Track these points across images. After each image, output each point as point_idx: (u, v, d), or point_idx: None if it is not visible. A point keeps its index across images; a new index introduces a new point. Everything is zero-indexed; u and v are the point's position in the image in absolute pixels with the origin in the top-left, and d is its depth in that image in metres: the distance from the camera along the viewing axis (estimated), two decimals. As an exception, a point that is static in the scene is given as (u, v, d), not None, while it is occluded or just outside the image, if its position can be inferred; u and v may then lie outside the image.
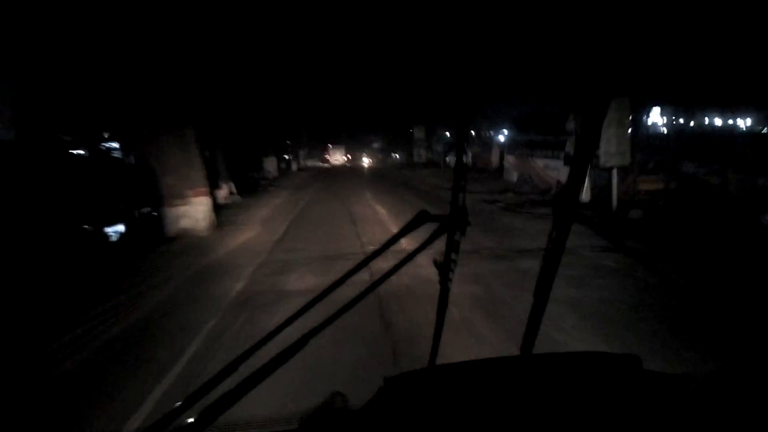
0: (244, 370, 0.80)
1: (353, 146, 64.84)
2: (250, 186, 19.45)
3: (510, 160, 20.40)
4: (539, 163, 16.85)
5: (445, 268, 1.06)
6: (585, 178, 0.97)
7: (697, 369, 1.53)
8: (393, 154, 53.67)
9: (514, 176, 19.28)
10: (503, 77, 18.57)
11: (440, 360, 1.15)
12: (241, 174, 19.55)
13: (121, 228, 8.87)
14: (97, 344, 4.50)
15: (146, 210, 10.16)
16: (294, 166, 38.21)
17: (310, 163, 51.17)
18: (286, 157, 47.26)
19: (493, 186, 17.84)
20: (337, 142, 58.08)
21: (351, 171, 35.59)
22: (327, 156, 55.27)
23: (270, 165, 27.66)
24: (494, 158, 24.43)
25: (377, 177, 27.11)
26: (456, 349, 3.63)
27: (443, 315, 1.15)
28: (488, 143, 29.52)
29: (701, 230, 8.23)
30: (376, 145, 61.64)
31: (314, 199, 16.16)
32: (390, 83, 36.77)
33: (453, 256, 1.04)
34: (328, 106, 48.79)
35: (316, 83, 35.73)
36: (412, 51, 28.52)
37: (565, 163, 14.40)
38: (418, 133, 40.54)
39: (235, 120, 19.74)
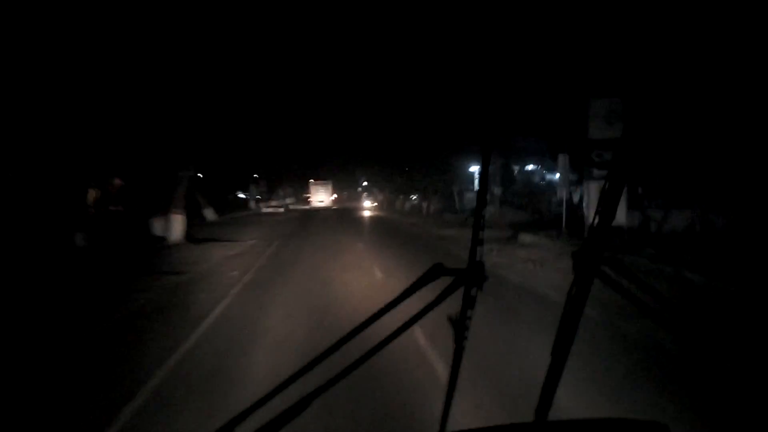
0: None
1: (345, 182, 50.32)
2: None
3: None
4: None
5: (460, 325, 1.00)
6: (609, 230, 0.91)
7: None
8: (411, 197, 35.11)
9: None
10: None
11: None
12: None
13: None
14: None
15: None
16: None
17: (275, 205, 39.90)
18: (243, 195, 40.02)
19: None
20: (322, 176, 43.46)
21: (340, 218, 25.99)
22: (308, 195, 43.71)
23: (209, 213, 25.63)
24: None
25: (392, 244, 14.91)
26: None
27: (456, 377, 1.07)
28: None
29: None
30: (377, 181, 43.42)
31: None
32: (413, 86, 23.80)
33: (469, 313, 0.98)
34: (313, 126, 35.71)
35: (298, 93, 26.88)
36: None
37: None
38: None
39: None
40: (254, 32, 17.04)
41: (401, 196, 37.20)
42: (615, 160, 0.88)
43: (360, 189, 50.53)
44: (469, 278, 0.94)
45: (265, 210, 38.18)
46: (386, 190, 41.39)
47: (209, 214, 25.82)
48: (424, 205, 30.00)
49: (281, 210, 38.30)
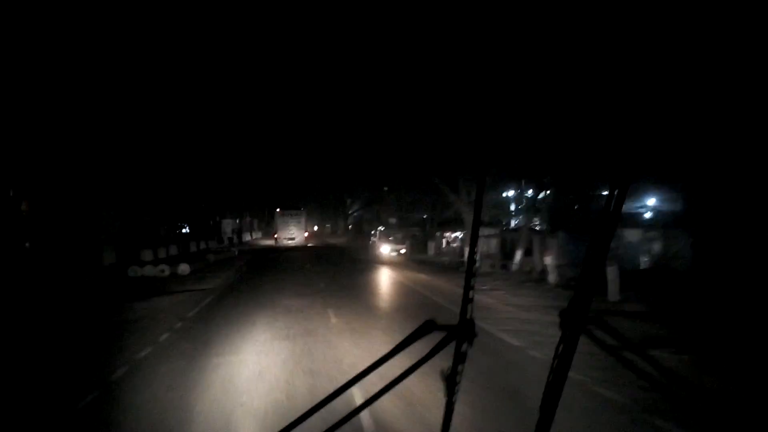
0: None
1: (328, 211, 43.83)
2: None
3: None
4: None
5: (451, 381, 1.01)
6: (596, 285, 0.93)
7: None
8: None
9: None
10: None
11: None
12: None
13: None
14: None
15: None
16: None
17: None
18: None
19: None
20: (290, 206, 34.52)
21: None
22: (275, 232, 33.67)
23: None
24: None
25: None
26: None
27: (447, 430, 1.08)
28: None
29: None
30: (385, 209, 32.89)
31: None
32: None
33: (459, 368, 1.00)
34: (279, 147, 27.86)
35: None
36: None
37: None
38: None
39: None
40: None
41: (450, 234, 22.42)
42: (602, 215, 0.90)
43: (352, 219, 39.59)
44: (460, 334, 0.96)
45: (147, 272, 16.54)
46: (399, 222, 30.20)
47: None
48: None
49: (185, 272, 16.93)
